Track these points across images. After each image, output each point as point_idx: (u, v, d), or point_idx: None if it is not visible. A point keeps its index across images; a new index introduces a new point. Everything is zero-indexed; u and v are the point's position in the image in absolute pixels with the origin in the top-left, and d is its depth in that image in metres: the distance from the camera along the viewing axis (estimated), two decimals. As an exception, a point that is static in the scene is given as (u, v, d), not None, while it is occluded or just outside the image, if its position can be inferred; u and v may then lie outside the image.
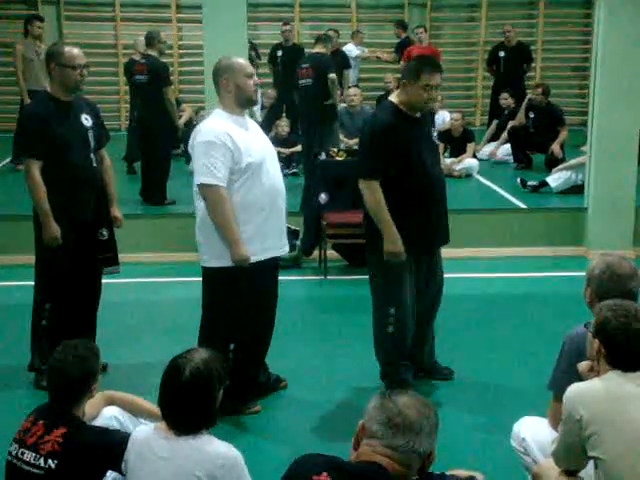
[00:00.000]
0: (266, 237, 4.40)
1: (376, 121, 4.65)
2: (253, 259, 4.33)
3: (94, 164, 4.89)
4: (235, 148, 4.25)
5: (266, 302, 4.60)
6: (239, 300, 4.39)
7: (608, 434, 2.66)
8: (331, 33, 11.15)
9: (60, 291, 4.86)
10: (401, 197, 4.52)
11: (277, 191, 4.45)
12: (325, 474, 2.26)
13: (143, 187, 9.13)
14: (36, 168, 4.66)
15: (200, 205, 4.37)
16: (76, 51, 4.78)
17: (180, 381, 2.87)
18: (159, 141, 8.96)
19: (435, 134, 4.72)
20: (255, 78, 4.44)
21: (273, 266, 4.61)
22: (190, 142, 4.41)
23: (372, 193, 4.50)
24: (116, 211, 5.09)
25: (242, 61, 4.46)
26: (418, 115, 4.62)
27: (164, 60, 9.35)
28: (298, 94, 9.23)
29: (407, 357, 4.78)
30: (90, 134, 4.85)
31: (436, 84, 4.50)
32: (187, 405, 2.87)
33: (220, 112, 4.40)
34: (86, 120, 4.86)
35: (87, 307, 5.03)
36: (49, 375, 3.19)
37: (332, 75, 8.83)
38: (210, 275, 4.45)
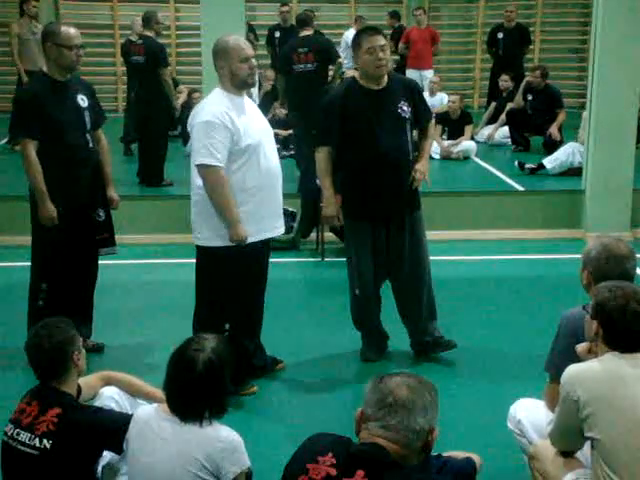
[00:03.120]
0: (262, 218, 4.41)
1: (328, 94, 5.19)
2: (249, 240, 4.33)
3: (90, 145, 4.88)
4: (235, 129, 4.25)
5: (259, 281, 4.61)
6: (233, 279, 4.40)
7: (605, 415, 2.67)
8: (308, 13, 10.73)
9: (56, 271, 4.86)
10: (349, 164, 4.79)
11: (274, 173, 4.46)
12: (330, 455, 2.28)
13: (140, 168, 9.12)
14: (32, 148, 4.65)
15: (196, 184, 4.36)
16: (72, 31, 4.75)
17: (194, 374, 2.85)
18: (156, 122, 8.95)
19: (405, 108, 4.73)
20: (252, 61, 4.41)
21: (267, 246, 4.64)
22: (189, 121, 4.40)
23: (318, 160, 4.85)
24: (112, 192, 5.08)
25: (238, 44, 4.39)
26: (378, 87, 4.72)
27: (161, 41, 9.32)
28: (294, 79, 8.82)
29: (372, 323, 5.06)
30: (86, 115, 4.84)
31: (379, 44, 4.62)
32: (200, 397, 2.86)
33: (219, 91, 4.40)
34: (82, 101, 4.84)
35: (83, 287, 5.03)
36: (28, 356, 3.17)
37: (340, 59, 8.97)
38: (205, 254, 4.45)
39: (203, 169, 4.25)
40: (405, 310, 5.05)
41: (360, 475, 2.21)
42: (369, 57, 4.62)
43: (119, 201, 5.14)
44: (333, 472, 2.24)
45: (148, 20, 9.00)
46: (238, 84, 4.39)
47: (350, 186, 4.82)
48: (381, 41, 4.66)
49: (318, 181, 7.24)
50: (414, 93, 4.88)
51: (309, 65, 8.64)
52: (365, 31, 4.79)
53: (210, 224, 4.34)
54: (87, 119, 4.85)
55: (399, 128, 4.74)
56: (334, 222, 4.98)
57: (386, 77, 4.75)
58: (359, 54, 4.68)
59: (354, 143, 4.73)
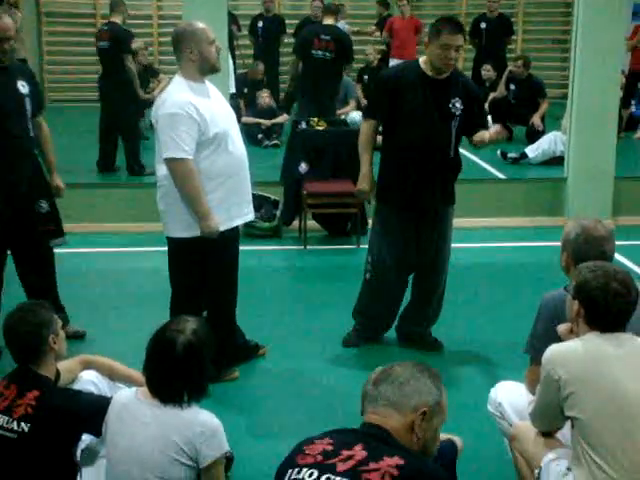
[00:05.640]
0: (231, 206, 4.34)
1: (385, 70, 5.10)
2: (220, 228, 4.27)
3: (31, 133, 4.71)
4: (201, 119, 4.15)
5: (232, 268, 4.54)
6: (206, 268, 4.36)
7: (586, 394, 2.68)
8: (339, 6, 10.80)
9: None
10: (389, 146, 4.76)
11: (241, 159, 4.39)
12: (327, 438, 2.27)
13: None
14: None
15: (162, 175, 4.27)
16: (6, 22, 4.52)
17: (173, 355, 2.82)
18: (122, 110, 8.80)
19: (458, 105, 4.64)
20: (217, 43, 4.34)
21: (237, 232, 4.55)
22: (153, 113, 4.30)
23: (362, 131, 4.82)
24: (57, 180, 4.95)
25: (203, 27, 4.29)
26: (437, 77, 4.63)
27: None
28: (310, 65, 8.63)
29: (378, 316, 5.05)
30: (27, 101, 4.67)
31: (455, 45, 4.53)
32: (179, 379, 2.84)
33: (181, 80, 4.27)
34: (22, 87, 4.66)
35: (39, 277, 4.91)
36: (5, 340, 3.13)
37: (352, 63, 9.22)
38: (176, 245, 4.39)
39: (171, 162, 4.15)
40: (412, 299, 5.06)
41: (359, 448, 2.20)
42: (440, 52, 4.52)
43: (64, 189, 5.01)
44: (330, 447, 2.23)
45: (114, 5, 8.88)
46: (205, 69, 4.28)
47: (384, 169, 4.81)
48: (459, 41, 4.55)
49: (300, 168, 7.31)
50: (472, 97, 4.76)
51: (327, 54, 8.52)
52: (448, 25, 4.59)
53: (179, 215, 4.26)
54: (28, 106, 4.67)
55: (444, 122, 4.65)
56: (365, 197, 5.03)
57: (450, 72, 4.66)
58: (433, 43, 4.54)
59: (395, 125, 4.67)
